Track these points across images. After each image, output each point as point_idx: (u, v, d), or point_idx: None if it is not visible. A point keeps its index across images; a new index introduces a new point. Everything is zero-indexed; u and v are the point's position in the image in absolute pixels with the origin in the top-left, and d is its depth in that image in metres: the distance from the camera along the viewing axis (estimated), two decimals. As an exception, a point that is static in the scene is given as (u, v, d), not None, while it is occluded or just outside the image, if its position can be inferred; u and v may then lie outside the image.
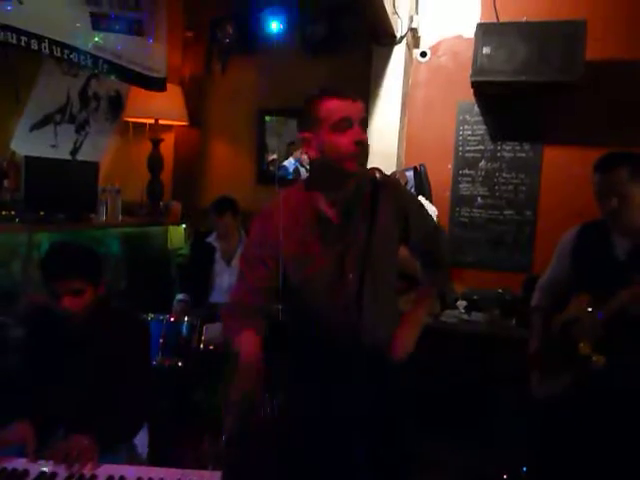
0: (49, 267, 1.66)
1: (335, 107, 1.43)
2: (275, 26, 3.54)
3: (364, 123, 1.47)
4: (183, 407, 2.53)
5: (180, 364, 2.51)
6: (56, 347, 1.70)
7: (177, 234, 3.93)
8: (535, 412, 2.15)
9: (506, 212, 3.35)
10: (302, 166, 3.87)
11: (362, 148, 1.44)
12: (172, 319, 2.61)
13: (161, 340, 2.49)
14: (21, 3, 2.39)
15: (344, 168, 1.44)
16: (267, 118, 3.82)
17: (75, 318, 1.66)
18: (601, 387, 1.82)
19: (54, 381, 1.68)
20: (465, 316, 3.09)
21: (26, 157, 2.79)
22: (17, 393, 1.66)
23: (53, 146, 3.41)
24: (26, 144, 3.19)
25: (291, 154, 3.83)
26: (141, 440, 1.82)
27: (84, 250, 1.72)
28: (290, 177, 3.83)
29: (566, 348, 1.92)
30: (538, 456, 2.17)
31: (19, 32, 2.39)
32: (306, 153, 1.50)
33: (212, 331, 2.78)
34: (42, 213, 2.83)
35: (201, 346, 2.64)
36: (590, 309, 1.88)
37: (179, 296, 3.11)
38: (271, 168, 3.87)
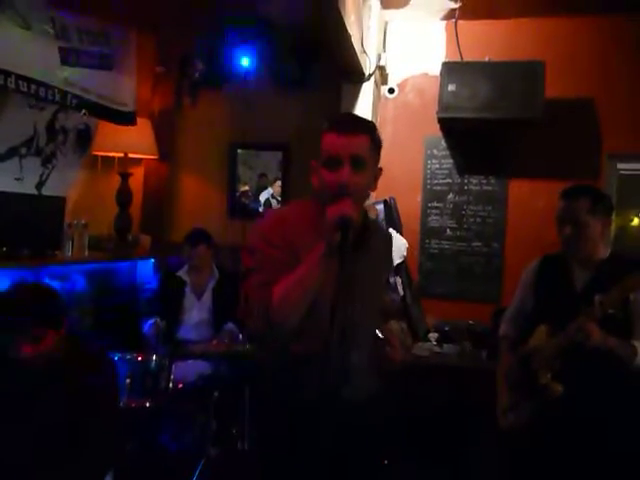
0: (4, 312, 1.59)
1: (329, 143, 1.40)
2: (246, 62, 3.60)
3: (358, 161, 1.38)
4: (150, 450, 2.44)
5: (147, 405, 2.43)
6: (14, 392, 1.62)
7: (145, 268, 3.86)
8: (502, 442, 2.15)
9: (474, 244, 3.42)
10: (274, 198, 3.90)
11: (344, 191, 1.36)
12: (139, 358, 2.53)
13: (128, 380, 2.40)
14: (-13, 38, 2.37)
15: (328, 203, 1.38)
16: (239, 151, 3.83)
17: (34, 363, 1.59)
18: (560, 417, 1.88)
19: (12, 427, 1.60)
20: (437, 348, 3.10)
21: (-11, 192, 2.72)
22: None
23: (18, 179, 3.33)
24: (-10, 177, 3.12)
25: (263, 186, 3.85)
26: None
27: (42, 294, 1.65)
28: (261, 209, 3.85)
29: (527, 378, 1.97)
30: None
31: (-16, 67, 2.36)
32: (312, 181, 1.47)
33: (181, 369, 2.71)
34: (4, 249, 2.75)
35: (170, 385, 2.57)
36: (549, 340, 1.94)
37: (151, 320, 3.02)
38: (243, 199, 3.87)
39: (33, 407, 1.61)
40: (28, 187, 3.32)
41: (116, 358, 2.47)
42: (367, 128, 1.45)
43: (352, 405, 1.47)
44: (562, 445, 1.89)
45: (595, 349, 1.77)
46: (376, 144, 1.46)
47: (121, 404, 2.31)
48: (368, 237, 1.51)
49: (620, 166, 3.32)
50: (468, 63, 3.19)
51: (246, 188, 3.86)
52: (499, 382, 2.15)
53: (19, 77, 2.53)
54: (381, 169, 1.50)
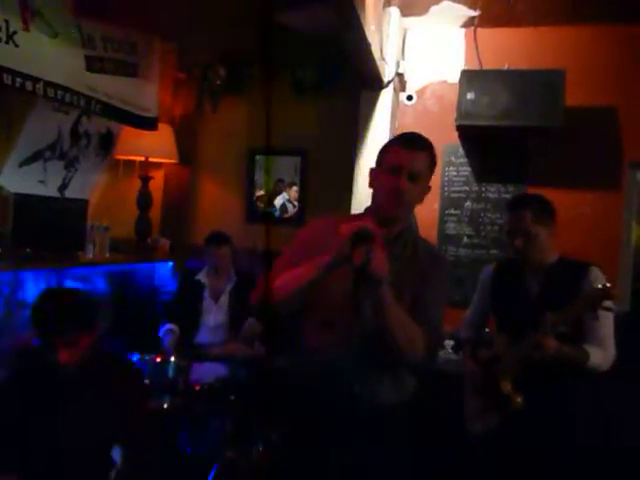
0: (41, 319, 1.61)
1: (393, 153, 1.56)
2: (266, 69, 3.63)
3: (414, 175, 1.51)
4: (166, 452, 2.46)
5: (165, 406, 2.46)
6: (46, 396, 1.65)
7: (164, 271, 3.91)
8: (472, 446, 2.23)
9: (492, 252, 3.40)
10: (290, 202, 3.93)
11: (398, 197, 1.50)
12: (158, 359, 2.57)
13: (146, 381, 2.44)
14: (17, 46, 2.43)
15: (379, 206, 1.56)
16: (257, 157, 3.87)
17: (67, 367, 1.63)
18: (524, 423, 1.96)
19: (43, 433, 1.63)
20: (452, 356, 3.09)
21: (15, 194, 2.78)
22: (2, 445, 1.61)
23: (42, 182, 3.41)
24: (15, 179, 3.20)
25: (279, 190, 3.89)
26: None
27: (78, 298, 1.68)
28: (277, 214, 3.88)
29: (490, 385, 2.04)
30: None
31: (14, 73, 2.42)
32: (370, 184, 1.62)
33: (198, 371, 2.75)
34: (29, 250, 2.81)
35: (187, 387, 2.60)
36: (508, 348, 2.01)
37: (167, 326, 3.07)
38: (259, 204, 3.91)
39: (66, 409, 1.64)
40: (51, 190, 3.40)
41: (134, 359, 2.52)
42: (428, 147, 1.59)
43: (373, 409, 1.50)
44: (526, 449, 1.98)
45: (551, 358, 1.87)
46: (432, 163, 1.59)
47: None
48: (401, 250, 1.57)
49: (641, 175, 3.29)
50: (487, 71, 3.20)
51: (262, 193, 3.90)
52: (466, 387, 2.24)
53: (47, 83, 2.59)
54: (430, 187, 1.61)
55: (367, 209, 1.67)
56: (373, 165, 1.64)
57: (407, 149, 1.53)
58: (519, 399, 1.93)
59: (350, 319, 1.49)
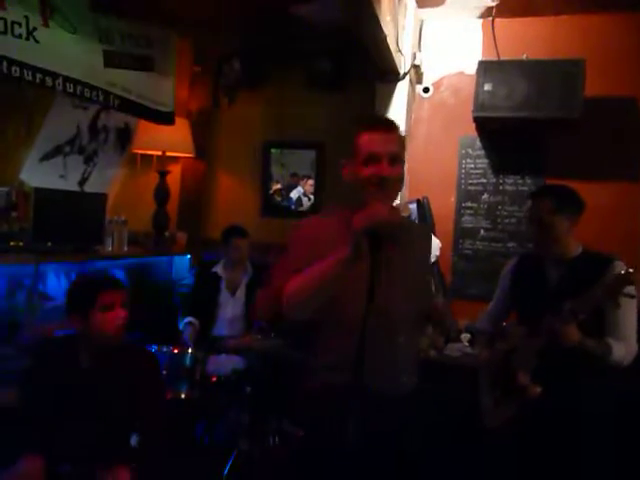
0: (96, 284, 1.75)
1: (366, 142, 1.52)
2: (282, 62, 3.64)
3: (394, 158, 1.51)
4: (183, 443, 2.50)
5: (183, 396, 2.50)
6: (67, 385, 1.70)
7: (181, 264, 3.95)
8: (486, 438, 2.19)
9: (509, 245, 3.37)
10: (305, 196, 3.94)
11: (383, 183, 1.49)
12: (175, 351, 2.60)
13: (164, 372, 2.47)
14: (37, 42, 2.47)
15: (365, 197, 1.51)
16: (273, 150, 3.88)
17: (111, 337, 1.69)
18: (540, 414, 1.93)
19: (65, 416, 1.67)
20: (469, 349, 3.07)
21: (35, 189, 2.84)
22: (28, 427, 1.65)
23: (62, 176, 3.48)
24: (35, 174, 3.27)
25: (294, 184, 3.90)
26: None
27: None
28: (293, 207, 3.90)
29: (507, 376, 2.01)
30: None
31: (35, 69, 2.47)
32: (343, 176, 1.60)
33: (215, 363, 2.78)
34: (50, 244, 2.86)
35: (204, 378, 2.63)
36: (527, 339, 1.98)
37: (187, 319, 3.10)
38: (276, 197, 3.92)
39: (85, 394, 1.69)
40: (71, 184, 3.47)
41: (153, 350, 2.55)
42: (397, 127, 1.60)
43: (386, 400, 1.50)
44: (542, 440, 1.96)
45: (571, 349, 1.82)
46: (403, 140, 1.60)
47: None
48: (402, 233, 1.53)
49: (662, 167, 3.22)
50: (505, 61, 3.15)
51: (278, 186, 3.91)
52: (480, 379, 2.22)
53: (66, 79, 2.63)
54: (404, 161, 1.60)
55: (342, 205, 1.62)
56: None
57: (381, 134, 1.52)
58: (537, 389, 1.89)
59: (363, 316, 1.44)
